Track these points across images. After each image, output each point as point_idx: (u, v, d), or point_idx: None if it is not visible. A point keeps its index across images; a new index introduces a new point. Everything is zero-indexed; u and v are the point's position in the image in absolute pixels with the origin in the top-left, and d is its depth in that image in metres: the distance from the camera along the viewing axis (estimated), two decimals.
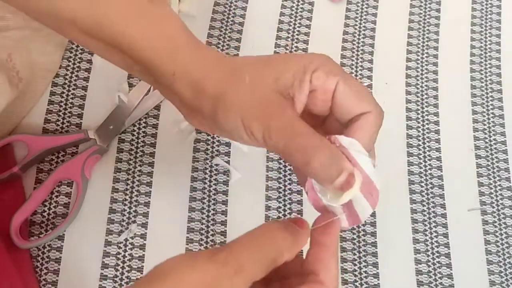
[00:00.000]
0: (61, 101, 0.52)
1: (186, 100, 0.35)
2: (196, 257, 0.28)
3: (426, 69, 0.58)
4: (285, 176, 0.52)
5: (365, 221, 0.52)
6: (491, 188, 0.54)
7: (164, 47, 0.34)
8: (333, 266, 0.31)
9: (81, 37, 0.35)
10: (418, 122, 0.56)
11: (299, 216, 0.32)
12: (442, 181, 0.54)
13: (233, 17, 0.57)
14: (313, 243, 0.32)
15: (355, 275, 0.50)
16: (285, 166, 0.53)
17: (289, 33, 0.58)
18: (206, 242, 0.49)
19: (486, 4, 0.62)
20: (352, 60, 0.57)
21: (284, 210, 0.51)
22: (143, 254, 0.48)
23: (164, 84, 0.35)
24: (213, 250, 0.28)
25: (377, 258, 0.51)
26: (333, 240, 0.31)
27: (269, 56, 0.35)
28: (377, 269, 0.50)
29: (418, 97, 0.57)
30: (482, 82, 0.58)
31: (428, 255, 0.51)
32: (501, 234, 0.53)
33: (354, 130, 0.32)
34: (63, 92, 0.52)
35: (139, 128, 0.52)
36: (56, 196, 0.49)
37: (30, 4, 0.35)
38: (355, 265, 0.50)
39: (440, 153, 0.55)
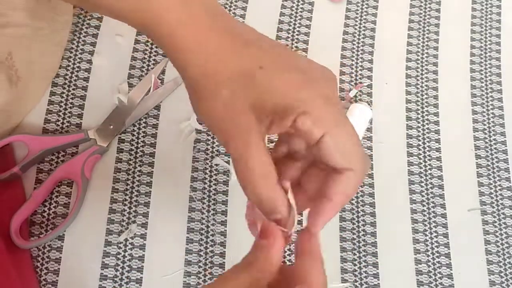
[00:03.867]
0: (61, 101, 0.52)
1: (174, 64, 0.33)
2: None
3: (426, 69, 0.58)
4: None
5: (364, 221, 0.52)
6: (491, 188, 0.54)
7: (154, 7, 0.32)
8: (320, 273, 0.31)
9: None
10: (418, 122, 0.56)
11: (267, 224, 0.32)
12: (442, 181, 0.54)
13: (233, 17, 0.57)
14: (296, 254, 0.32)
15: (355, 275, 0.50)
16: None
17: (289, 33, 0.58)
18: (206, 242, 0.49)
19: (486, 4, 0.62)
20: (352, 60, 0.57)
21: None
22: (143, 254, 0.48)
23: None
24: None
25: (377, 258, 0.51)
26: (315, 246, 0.31)
27: (256, 72, 0.31)
28: (377, 269, 0.50)
29: (418, 97, 0.57)
30: (482, 82, 0.58)
31: (428, 255, 0.51)
32: (501, 234, 0.53)
33: (335, 184, 0.32)
34: (63, 92, 0.52)
35: (139, 128, 0.52)
36: (56, 196, 0.49)
37: None
38: (355, 265, 0.50)
39: (440, 153, 0.55)
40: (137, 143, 0.52)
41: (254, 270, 0.30)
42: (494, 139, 0.56)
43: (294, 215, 0.32)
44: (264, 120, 0.31)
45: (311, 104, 0.30)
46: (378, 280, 0.50)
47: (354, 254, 0.51)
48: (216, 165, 0.52)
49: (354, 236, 0.51)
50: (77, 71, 0.53)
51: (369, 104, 0.56)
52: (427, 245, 0.52)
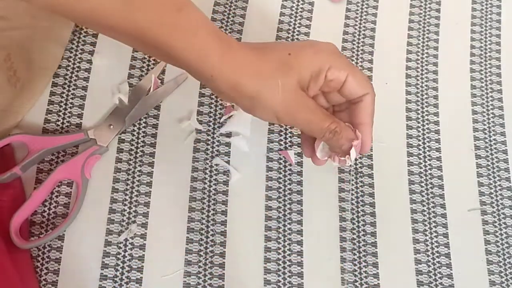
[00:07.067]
0: (61, 101, 0.52)
1: (225, 95, 0.41)
2: None
3: (426, 69, 0.58)
4: (285, 176, 0.52)
5: (364, 221, 0.52)
6: (491, 188, 0.54)
7: (199, 56, 0.38)
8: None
9: (117, 37, 0.40)
10: (418, 122, 0.56)
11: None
12: (442, 181, 0.54)
13: (233, 17, 0.57)
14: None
15: (355, 275, 0.50)
16: (285, 166, 0.53)
17: (289, 33, 0.58)
18: (206, 242, 0.49)
19: (486, 4, 0.62)
20: (352, 60, 0.57)
21: (284, 210, 0.51)
22: (143, 254, 0.48)
23: (203, 81, 0.41)
24: None
25: (377, 258, 0.51)
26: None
27: (289, 58, 0.41)
28: (377, 269, 0.50)
29: (418, 97, 0.57)
30: (482, 82, 0.58)
31: (428, 255, 0.51)
32: (501, 234, 0.53)
33: (360, 109, 0.43)
34: (63, 92, 0.52)
35: (139, 128, 0.52)
36: (56, 196, 0.49)
37: (68, 10, 0.37)
38: (355, 265, 0.50)
39: (440, 153, 0.55)
40: (137, 143, 0.52)
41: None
42: (494, 139, 0.56)
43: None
44: (305, 89, 0.42)
45: (330, 61, 0.41)
46: (378, 280, 0.50)
47: (354, 254, 0.51)
48: (216, 165, 0.52)
49: (354, 236, 0.51)
50: (77, 71, 0.53)
51: None
52: (427, 245, 0.52)
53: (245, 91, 0.40)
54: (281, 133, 0.54)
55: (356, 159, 0.53)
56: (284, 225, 0.51)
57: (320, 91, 0.44)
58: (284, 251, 0.50)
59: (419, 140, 0.55)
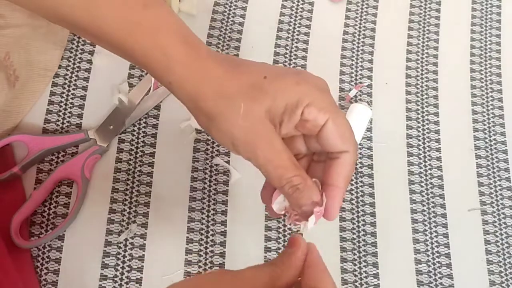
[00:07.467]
0: (61, 101, 0.52)
1: (184, 105, 0.37)
2: None
3: (426, 69, 0.58)
4: None
5: (364, 221, 0.52)
6: (491, 188, 0.54)
7: (159, 58, 0.35)
8: (330, 281, 0.32)
9: (84, 36, 0.38)
10: (418, 122, 0.56)
11: (295, 235, 0.34)
12: (442, 181, 0.54)
13: (233, 17, 0.57)
14: (303, 268, 0.33)
15: (355, 275, 0.50)
16: None
17: (289, 33, 0.58)
18: (206, 242, 0.49)
19: (486, 4, 0.62)
20: (352, 60, 0.57)
21: None
22: (143, 254, 0.48)
23: (165, 86, 0.37)
24: None
25: (377, 258, 0.51)
26: (318, 258, 0.34)
27: (263, 82, 0.35)
28: (377, 269, 0.50)
29: (418, 97, 0.57)
30: (482, 82, 0.58)
31: (428, 255, 0.51)
32: (501, 234, 0.53)
33: (335, 167, 0.36)
34: (63, 92, 0.52)
35: (139, 128, 0.52)
36: (56, 196, 0.49)
37: (34, 6, 0.36)
38: (355, 265, 0.50)
39: (440, 153, 0.55)
40: (137, 143, 0.52)
41: (275, 267, 0.32)
42: (494, 139, 0.56)
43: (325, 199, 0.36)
44: (276, 123, 0.35)
45: (312, 96, 0.35)
46: (378, 280, 0.50)
47: (354, 254, 0.51)
48: (216, 165, 0.52)
49: (354, 236, 0.51)
50: (77, 71, 0.53)
51: (369, 104, 0.56)
52: (427, 245, 0.52)
53: (203, 107, 0.35)
54: None
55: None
56: (284, 225, 0.51)
57: (299, 132, 0.37)
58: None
59: (419, 140, 0.55)
